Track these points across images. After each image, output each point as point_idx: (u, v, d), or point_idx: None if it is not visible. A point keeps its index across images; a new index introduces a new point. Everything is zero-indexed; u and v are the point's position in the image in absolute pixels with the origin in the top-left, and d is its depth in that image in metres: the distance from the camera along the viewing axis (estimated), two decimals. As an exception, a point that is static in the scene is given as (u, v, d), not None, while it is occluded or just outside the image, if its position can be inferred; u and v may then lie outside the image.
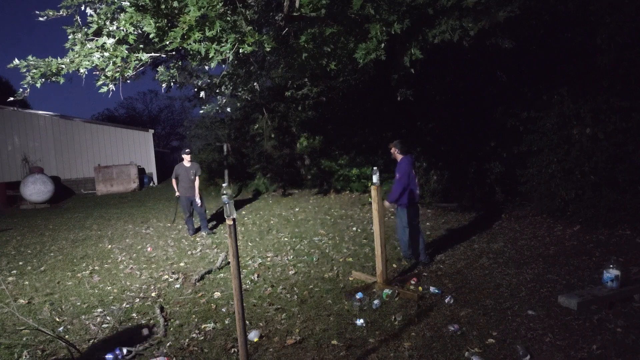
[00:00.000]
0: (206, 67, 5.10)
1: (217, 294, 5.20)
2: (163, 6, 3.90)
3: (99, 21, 4.10)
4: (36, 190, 15.04)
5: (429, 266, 5.73)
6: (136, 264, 6.77)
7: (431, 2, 4.99)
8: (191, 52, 4.35)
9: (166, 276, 6.03)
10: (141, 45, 4.32)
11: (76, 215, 12.49)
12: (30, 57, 4.12)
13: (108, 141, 19.56)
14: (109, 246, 8.06)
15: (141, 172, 19.16)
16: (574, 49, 7.76)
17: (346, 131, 12.50)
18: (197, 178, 8.44)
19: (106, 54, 3.96)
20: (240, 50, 4.01)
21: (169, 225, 9.79)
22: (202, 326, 4.31)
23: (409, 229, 5.73)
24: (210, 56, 3.98)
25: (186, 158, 8.48)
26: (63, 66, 4.07)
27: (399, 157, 5.77)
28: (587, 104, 7.02)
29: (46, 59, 4.13)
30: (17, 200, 15.74)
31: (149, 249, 7.62)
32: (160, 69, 5.24)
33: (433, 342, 3.72)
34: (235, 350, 3.76)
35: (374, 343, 3.77)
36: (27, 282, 6.07)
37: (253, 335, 3.97)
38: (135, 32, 4.06)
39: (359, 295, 4.72)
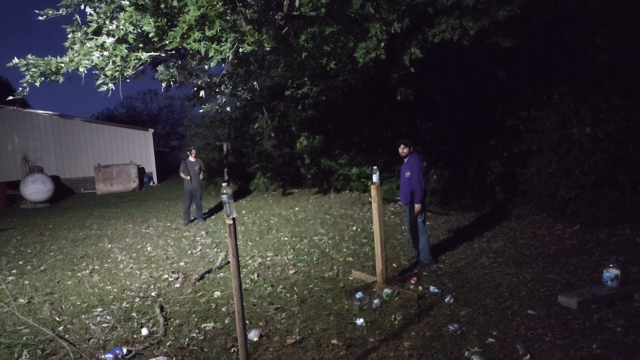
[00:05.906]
0: (206, 67, 5.10)
1: (217, 294, 5.20)
2: (163, 5, 3.90)
3: (99, 20, 4.10)
4: (36, 189, 15.03)
5: (428, 266, 5.73)
6: (136, 263, 6.76)
7: (431, 1, 4.99)
8: (191, 52, 4.35)
9: (166, 276, 6.03)
10: (141, 45, 4.32)
11: (76, 214, 12.49)
12: (29, 56, 4.11)
13: (108, 140, 19.55)
14: (109, 245, 8.05)
15: (141, 171, 19.15)
16: (574, 48, 7.76)
17: (346, 130, 12.49)
18: (201, 173, 9.89)
19: (106, 53, 3.96)
20: (240, 50, 4.01)
21: (169, 224, 9.81)
22: (202, 326, 4.31)
23: (412, 227, 5.73)
24: (210, 55, 3.98)
25: (191, 154, 9.96)
26: (62, 65, 4.07)
27: (408, 154, 5.73)
28: (587, 103, 7.02)
29: (45, 58, 4.13)
30: (17, 200, 15.73)
31: (148, 249, 7.62)
32: (160, 68, 5.23)
33: (433, 341, 3.71)
34: (235, 349, 3.76)
35: (374, 342, 3.76)
36: (27, 282, 6.07)
37: (253, 335, 3.97)
38: (135, 31, 4.05)
39: (358, 294, 4.72)
